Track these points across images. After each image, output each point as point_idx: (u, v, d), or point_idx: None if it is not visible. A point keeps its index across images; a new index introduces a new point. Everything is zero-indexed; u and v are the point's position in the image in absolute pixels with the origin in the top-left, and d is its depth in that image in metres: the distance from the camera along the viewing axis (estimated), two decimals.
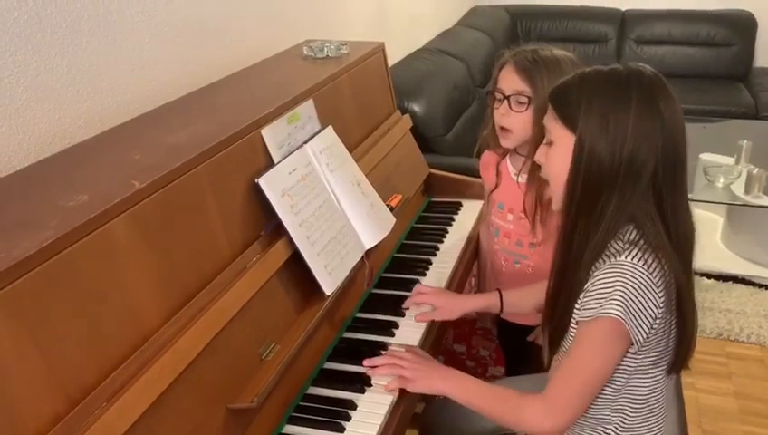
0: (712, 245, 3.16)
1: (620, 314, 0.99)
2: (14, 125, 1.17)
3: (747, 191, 2.81)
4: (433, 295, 1.44)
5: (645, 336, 1.01)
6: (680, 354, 1.09)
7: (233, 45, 1.79)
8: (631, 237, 1.02)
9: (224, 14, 1.75)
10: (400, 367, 1.21)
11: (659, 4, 4.46)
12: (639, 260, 1.00)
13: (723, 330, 2.62)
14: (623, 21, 4.50)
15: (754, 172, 2.82)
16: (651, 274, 0.99)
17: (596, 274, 1.03)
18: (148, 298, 0.97)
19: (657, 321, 1.02)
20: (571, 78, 1.09)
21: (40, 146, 1.22)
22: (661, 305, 1.01)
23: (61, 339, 0.84)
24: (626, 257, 1.00)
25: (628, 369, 1.07)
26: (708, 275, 2.93)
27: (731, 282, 2.91)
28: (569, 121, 1.05)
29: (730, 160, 3.00)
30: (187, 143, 1.14)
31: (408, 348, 1.29)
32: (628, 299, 0.99)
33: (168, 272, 1.02)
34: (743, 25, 4.28)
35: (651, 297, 0.99)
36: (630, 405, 1.11)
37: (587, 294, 1.03)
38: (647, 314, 1.00)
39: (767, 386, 2.34)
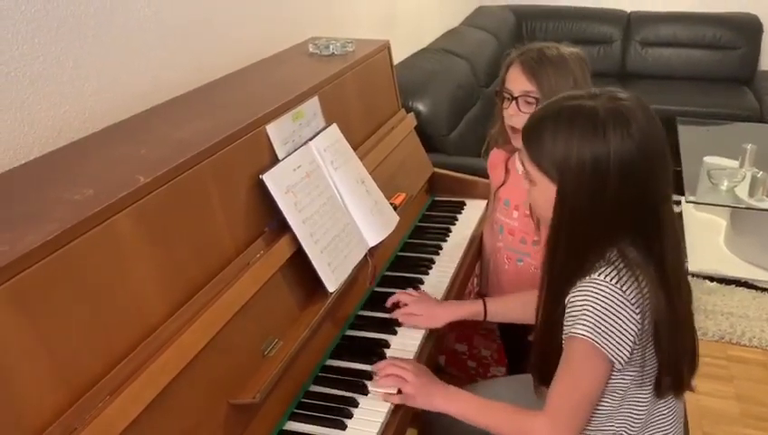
0: (715, 248, 3.16)
1: (588, 333, 0.99)
2: (20, 118, 1.17)
3: (751, 194, 2.81)
4: (414, 304, 1.39)
5: (627, 354, 1.00)
6: (666, 375, 1.06)
7: (238, 42, 1.79)
8: (610, 257, 1.01)
9: (229, 11, 1.75)
10: (403, 380, 1.19)
11: (665, 7, 4.45)
12: (612, 278, 0.99)
13: (725, 333, 2.62)
14: (628, 22, 4.49)
15: (758, 175, 2.81)
16: (624, 291, 0.98)
17: (571, 292, 1.03)
18: (152, 292, 0.97)
19: (642, 338, 1.01)
20: (543, 117, 1.05)
21: (45, 139, 1.22)
22: (639, 321, 0.99)
23: (64, 332, 0.84)
24: (598, 275, 1.00)
25: (622, 384, 1.07)
26: (711, 278, 2.93)
27: (733, 285, 2.90)
28: (546, 169, 1.04)
29: (734, 163, 2.99)
30: (193, 139, 1.14)
31: (412, 362, 1.27)
32: (598, 318, 0.98)
33: (172, 267, 1.02)
34: (748, 28, 4.27)
35: (626, 314, 0.98)
36: (632, 418, 1.11)
37: (566, 311, 1.04)
38: (624, 332, 0.99)
39: None
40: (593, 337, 0.99)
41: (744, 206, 2.84)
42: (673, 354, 1.05)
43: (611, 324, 0.98)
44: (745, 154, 2.94)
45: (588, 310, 0.99)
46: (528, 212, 1.56)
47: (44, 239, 0.82)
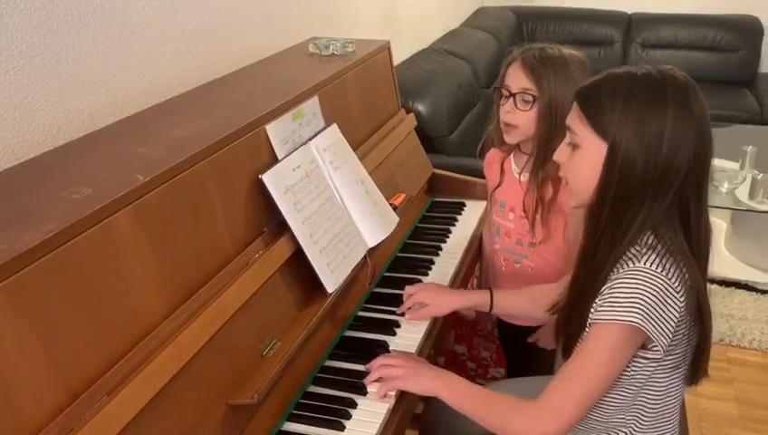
0: (715, 250, 3.12)
1: (641, 321, 0.97)
2: (19, 116, 1.17)
3: (751, 197, 2.80)
4: (422, 292, 1.41)
5: (669, 341, 1.01)
6: (699, 360, 1.09)
7: (239, 41, 1.79)
8: (649, 241, 1.01)
9: (230, 10, 1.74)
10: (391, 366, 1.19)
11: (666, 8, 4.45)
12: (658, 266, 0.98)
13: (724, 335, 2.61)
14: (629, 24, 4.49)
15: (759, 178, 2.81)
16: (670, 279, 0.99)
17: (613, 277, 1.01)
18: (151, 292, 0.97)
19: (680, 324, 1.01)
20: (603, 80, 1.05)
21: (44, 138, 1.21)
22: (682, 309, 1.00)
23: (63, 331, 0.83)
24: (644, 263, 0.99)
25: (646, 371, 1.06)
26: (711, 280, 2.89)
27: (733, 287, 2.90)
28: (601, 128, 1.01)
29: (735, 165, 2.99)
30: (192, 138, 1.14)
31: (400, 353, 1.27)
32: (649, 307, 0.97)
33: (171, 266, 1.01)
34: (749, 30, 4.27)
35: (671, 302, 0.99)
36: (645, 408, 1.11)
37: (603, 297, 1.02)
38: (669, 319, 0.99)
39: None
40: (645, 324, 0.97)
41: (744, 208, 2.84)
42: (708, 327, 1.07)
43: (659, 313, 0.98)
44: (746, 156, 2.94)
45: (638, 298, 0.98)
46: (523, 214, 1.56)
47: (43, 238, 0.82)
